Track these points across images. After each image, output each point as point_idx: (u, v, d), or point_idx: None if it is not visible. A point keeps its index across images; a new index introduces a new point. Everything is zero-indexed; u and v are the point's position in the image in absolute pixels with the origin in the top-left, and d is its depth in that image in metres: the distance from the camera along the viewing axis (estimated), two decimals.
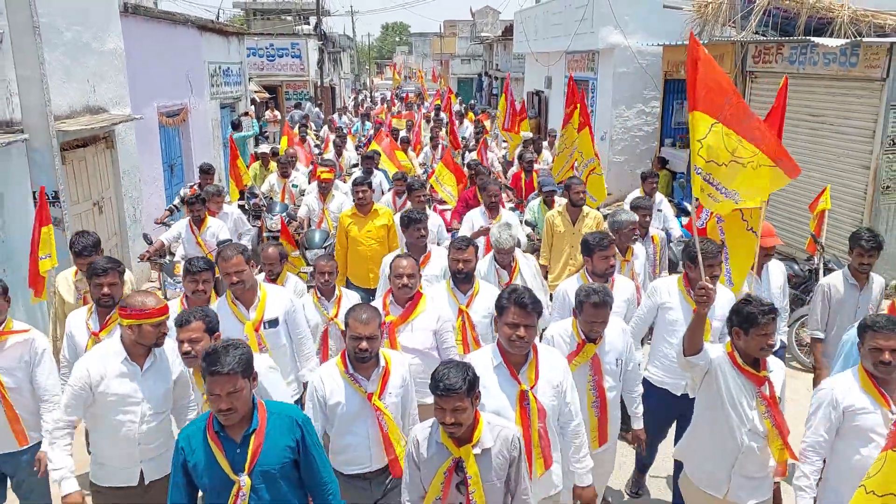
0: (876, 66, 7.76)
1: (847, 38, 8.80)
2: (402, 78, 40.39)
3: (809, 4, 9.89)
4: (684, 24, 11.65)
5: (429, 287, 4.85)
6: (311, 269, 7.13)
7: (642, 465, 4.82)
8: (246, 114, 16.52)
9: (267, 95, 22.32)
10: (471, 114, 19.99)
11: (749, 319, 3.31)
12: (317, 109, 22.46)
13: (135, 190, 9.37)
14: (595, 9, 14.08)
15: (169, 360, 3.51)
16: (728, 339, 3.53)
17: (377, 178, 9.31)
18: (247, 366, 2.81)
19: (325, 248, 7.11)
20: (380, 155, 10.06)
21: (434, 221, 6.48)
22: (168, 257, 7.08)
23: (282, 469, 2.87)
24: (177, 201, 8.44)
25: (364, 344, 3.33)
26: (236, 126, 14.52)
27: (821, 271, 6.76)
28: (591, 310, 3.66)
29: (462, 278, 4.53)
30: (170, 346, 3.56)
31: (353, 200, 6.56)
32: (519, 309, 3.21)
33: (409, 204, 7.27)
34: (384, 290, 4.65)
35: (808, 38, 8.85)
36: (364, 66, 64.98)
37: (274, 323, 4.20)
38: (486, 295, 4.52)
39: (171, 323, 3.58)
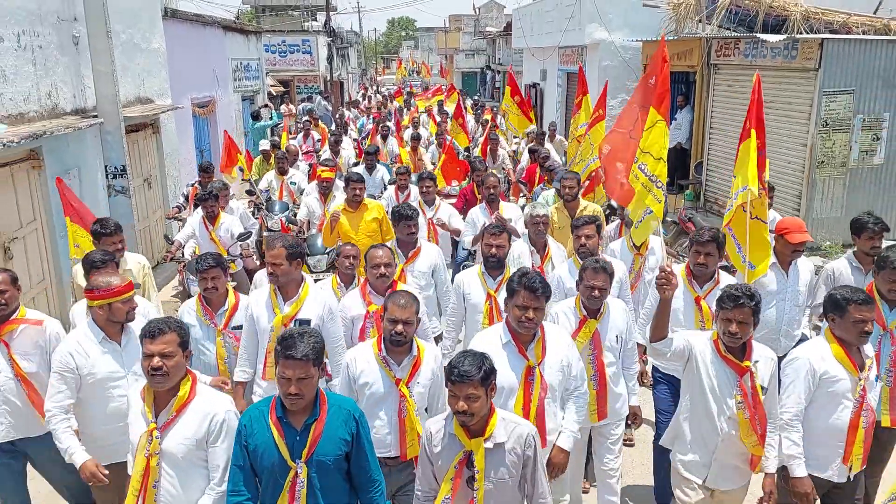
0: (811, 57, 9.05)
1: (799, 33, 10.09)
2: (407, 72, 41.36)
3: (766, 4, 11.19)
4: (661, 22, 12.92)
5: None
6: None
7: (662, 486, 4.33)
8: (266, 105, 17.80)
9: (282, 89, 23.47)
10: (469, 109, 20.70)
11: (718, 303, 3.39)
12: (325, 102, 23.01)
13: (175, 170, 10.79)
14: (582, 7, 15.41)
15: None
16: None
17: (379, 172, 9.45)
18: (318, 354, 2.84)
19: (327, 254, 6.85)
20: (378, 150, 9.98)
21: (445, 211, 6.78)
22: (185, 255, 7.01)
23: (336, 461, 2.88)
24: (181, 200, 8.55)
25: (400, 327, 3.37)
26: (256, 117, 15.85)
27: None
28: (591, 274, 3.80)
29: (494, 263, 4.55)
30: (139, 322, 3.50)
31: (349, 197, 6.33)
32: (529, 293, 3.31)
33: (411, 199, 7.23)
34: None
35: (755, 34, 10.16)
36: (371, 61, 66.08)
37: (306, 323, 4.11)
38: None
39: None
